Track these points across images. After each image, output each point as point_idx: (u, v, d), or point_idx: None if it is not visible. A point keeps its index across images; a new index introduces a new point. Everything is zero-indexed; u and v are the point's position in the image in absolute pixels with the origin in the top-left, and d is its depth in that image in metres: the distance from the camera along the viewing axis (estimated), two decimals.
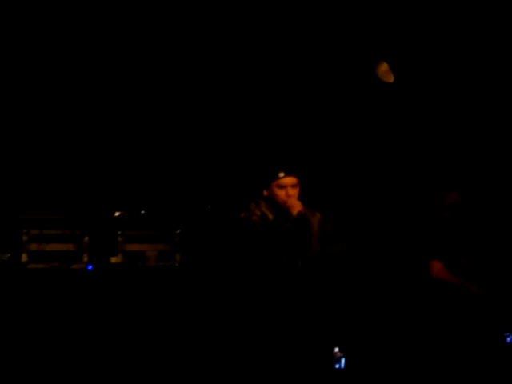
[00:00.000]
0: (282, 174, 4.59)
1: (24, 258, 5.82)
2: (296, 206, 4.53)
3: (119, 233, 6.07)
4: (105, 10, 6.10)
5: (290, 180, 4.60)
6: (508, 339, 5.74)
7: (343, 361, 4.86)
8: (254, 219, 4.54)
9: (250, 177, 6.07)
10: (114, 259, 6.04)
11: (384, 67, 6.33)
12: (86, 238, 5.98)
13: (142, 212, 6.31)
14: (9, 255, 5.82)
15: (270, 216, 4.55)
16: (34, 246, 5.87)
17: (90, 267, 5.95)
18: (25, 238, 5.85)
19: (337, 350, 4.81)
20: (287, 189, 4.57)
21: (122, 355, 5.55)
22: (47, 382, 5.33)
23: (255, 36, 6.35)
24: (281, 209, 4.55)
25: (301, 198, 4.66)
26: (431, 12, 6.12)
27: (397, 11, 6.15)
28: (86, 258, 5.96)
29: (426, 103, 6.52)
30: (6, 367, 5.29)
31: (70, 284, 5.75)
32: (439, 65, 6.37)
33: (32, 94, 6.47)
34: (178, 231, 6.24)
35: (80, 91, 6.57)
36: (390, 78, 6.34)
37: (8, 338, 5.41)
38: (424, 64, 6.38)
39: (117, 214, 6.19)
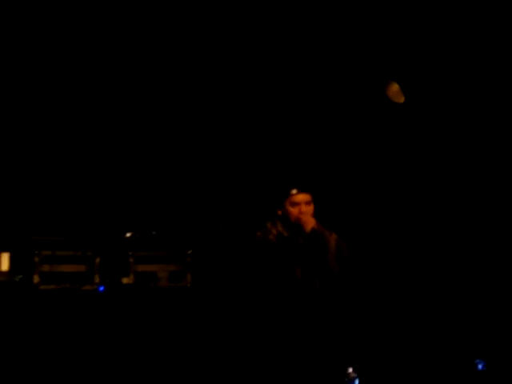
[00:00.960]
0: (294, 191, 4.53)
1: (36, 279, 5.82)
2: (309, 223, 4.47)
3: (130, 253, 6.08)
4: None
5: (303, 197, 4.54)
6: (479, 366, 5.76)
7: (357, 381, 4.86)
8: (270, 238, 4.49)
9: (263, 196, 6.08)
10: (125, 280, 6.04)
11: (395, 88, 6.35)
12: (98, 259, 5.98)
13: (154, 233, 6.31)
14: (21, 276, 5.82)
15: (286, 234, 4.51)
16: (45, 267, 5.87)
17: (101, 288, 5.95)
18: (36, 259, 5.86)
19: (351, 370, 4.80)
20: (301, 206, 4.51)
21: (134, 375, 5.55)
22: None
23: (275, 53, 6.38)
24: (295, 226, 4.51)
25: (317, 217, 4.62)
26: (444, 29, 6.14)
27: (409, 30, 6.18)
28: (97, 279, 5.95)
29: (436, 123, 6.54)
30: None
31: (81, 305, 5.75)
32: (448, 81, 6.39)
33: (42, 109, 6.48)
34: (189, 252, 6.24)
35: (89, 109, 6.58)
36: (401, 99, 6.35)
37: (21, 358, 5.40)
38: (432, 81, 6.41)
39: (128, 234, 6.20)
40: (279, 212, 4.56)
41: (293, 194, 4.51)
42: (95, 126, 6.61)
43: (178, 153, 6.78)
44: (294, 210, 4.51)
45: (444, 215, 6.48)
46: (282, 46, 6.33)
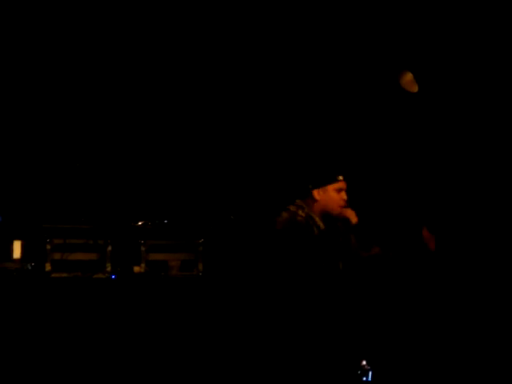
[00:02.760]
0: (341, 177, 4.50)
1: (47, 267, 5.82)
2: (354, 215, 4.45)
3: (142, 242, 6.07)
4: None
5: (345, 185, 4.51)
6: None
7: (370, 374, 4.85)
8: (299, 219, 4.41)
9: (274, 186, 6.07)
10: (137, 269, 6.03)
11: (408, 77, 6.32)
12: (109, 248, 5.97)
13: (165, 221, 6.30)
14: (32, 264, 5.82)
15: (318, 220, 4.42)
16: (57, 256, 5.87)
17: (113, 276, 5.95)
18: (48, 247, 5.85)
19: (364, 362, 4.79)
20: (343, 193, 4.47)
21: (145, 364, 5.56)
22: None
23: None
24: (329, 214, 4.43)
25: None
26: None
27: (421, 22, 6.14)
28: (109, 268, 5.95)
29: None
30: (29, 375, 5.30)
31: (93, 293, 5.75)
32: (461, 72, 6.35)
33: (49, 105, 6.49)
34: (200, 240, 6.23)
35: (98, 104, 6.59)
36: (414, 88, 6.31)
37: (32, 347, 5.41)
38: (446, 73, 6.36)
39: (140, 223, 6.19)
40: (317, 195, 4.46)
41: (340, 180, 4.47)
42: (104, 115, 6.61)
43: (190, 142, 6.77)
44: (337, 197, 4.46)
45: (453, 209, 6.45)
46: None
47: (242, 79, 6.69)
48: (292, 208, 4.50)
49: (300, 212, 4.47)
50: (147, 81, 6.62)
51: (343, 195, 4.48)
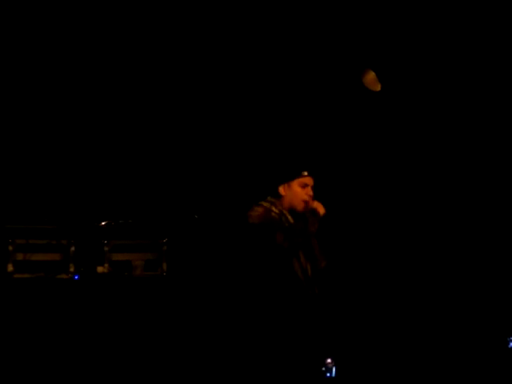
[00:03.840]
0: (306, 173, 4.51)
1: (10, 267, 5.77)
2: (322, 208, 4.46)
3: (105, 242, 6.04)
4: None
5: (310, 180, 4.52)
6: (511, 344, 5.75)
7: (334, 370, 4.92)
8: (273, 215, 4.41)
9: (238, 185, 6.07)
10: (100, 269, 6.00)
11: (371, 76, 6.35)
12: (73, 248, 5.94)
13: (129, 221, 6.28)
14: None
15: (289, 216, 4.43)
16: (19, 256, 5.82)
17: (76, 277, 5.92)
18: (10, 247, 5.81)
19: (329, 360, 4.85)
20: (308, 189, 4.48)
21: (108, 366, 5.53)
22: None
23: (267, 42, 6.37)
24: (294, 210, 4.44)
25: None
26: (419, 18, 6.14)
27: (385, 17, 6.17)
28: (72, 268, 5.92)
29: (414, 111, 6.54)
30: None
31: (56, 294, 5.72)
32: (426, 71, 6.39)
33: (23, 98, 6.43)
34: (164, 240, 6.21)
35: (72, 96, 6.54)
36: (377, 87, 6.35)
37: None
38: (410, 71, 6.40)
39: (103, 223, 6.16)
40: (282, 190, 4.48)
41: (305, 175, 4.48)
42: (72, 114, 6.57)
43: (153, 140, 6.75)
44: (302, 192, 4.47)
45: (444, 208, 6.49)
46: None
47: (207, 76, 6.67)
48: (265, 204, 4.50)
49: (273, 208, 4.48)
50: (128, 79, 6.58)
51: (308, 191, 4.50)
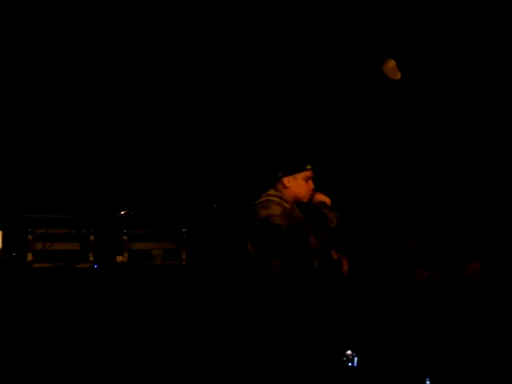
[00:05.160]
0: (309, 167, 4.58)
1: (29, 257, 5.79)
2: (327, 197, 4.52)
3: (125, 231, 6.04)
4: (104, 9, 6.07)
5: (312, 174, 4.60)
6: None
7: (356, 360, 4.95)
8: (285, 205, 4.45)
9: (257, 172, 6.05)
10: (119, 258, 6.01)
11: (391, 64, 6.30)
12: (92, 237, 5.95)
13: (148, 210, 6.28)
14: (14, 254, 5.78)
15: (298, 210, 4.48)
16: (39, 245, 5.84)
17: (95, 266, 5.92)
18: (30, 237, 5.82)
19: (349, 352, 4.87)
20: (310, 181, 4.57)
21: (127, 353, 5.53)
22: (52, 379, 5.32)
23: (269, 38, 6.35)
24: (299, 201, 4.51)
25: None
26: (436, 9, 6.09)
27: (402, 9, 6.12)
28: (91, 257, 5.93)
29: (431, 102, 6.48)
30: (10, 365, 5.27)
31: (75, 283, 5.73)
32: (445, 62, 6.33)
33: (37, 94, 6.45)
34: (184, 229, 6.20)
35: (85, 92, 6.54)
36: (397, 75, 6.30)
37: (14, 337, 5.38)
38: (430, 61, 6.35)
39: (122, 212, 6.16)
40: (287, 184, 4.54)
41: (308, 169, 4.56)
42: (89, 107, 6.57)
43: (172, 131, 6.74)
44: (306, 185, 4.56)
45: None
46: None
47: (211, 71, 6.65)
48: (274, 198, 4.53)
49: (284, 203, 4.51)
50: (127, 74, 6.58)
51: (311, 184, 4.58)
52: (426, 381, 5.49)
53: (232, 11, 6.09)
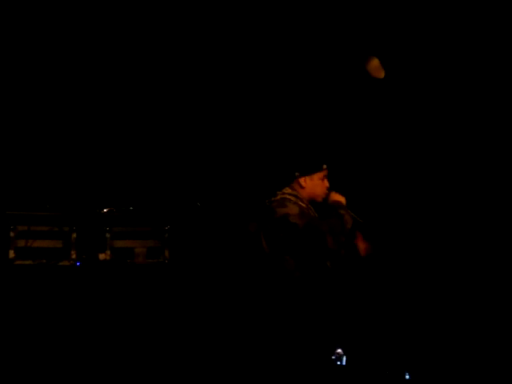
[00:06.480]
0: (325, 166, 4.61)
1: (11, 254, 5.77)
2: (341, 196, 4.54)
3: (107, 229, 6.03)
4: (104, 10, 6.07)
5: (327, 172, 4.63)
6: None
7: (344, 359, 4.98)
8: (301, 204, 4.45)
9: (241, 174, 6.06)
10: (102, 256, 6.00)
11: (375, 63, 6.32)
12: (74, 235, 5.94)
13: (131, 208, 6.27)
14: None
15: (313, 209, 4.50)
16: (21, 243, 5.82)
17: (78, 264, 5.91)
18: (12, 234, 5.80)
19: (339, 350, 4.90)
20: (325, 181, 4.59)
21: (109, 350, 5.53)
22: (34, 377, 5.31)
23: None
24: (315, 201, 4.53)
25: None
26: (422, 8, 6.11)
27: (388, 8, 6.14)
28: (74, 255, 5.91)
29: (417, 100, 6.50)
30: None
31: (57, 281, 5.71)
32: (431, 61, 6.35)
33: (23, 92, 6.43)
34: (167, 227, 6.20)
35: (70, 90, 6.53)
36: (381, 74, 6.32)
37: None
38: (415, 59, 6.37)
39: (105, 210, 6.15)
40: (304, 184, 4.56)
41: (324, 169, 4.58)
42: (72, 105, 6.56)
43: (156, 129, 6.73)
44: (322, 184, 4.58)
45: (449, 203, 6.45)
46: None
47: (224, 70, 6.65)
48: (290, 197, 4.54)
49: (300, 202, 4.53)
50: (118, 73, 6.57)
51: (326, 182, 4.60)
52: (405, 375, 5.56)
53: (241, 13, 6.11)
